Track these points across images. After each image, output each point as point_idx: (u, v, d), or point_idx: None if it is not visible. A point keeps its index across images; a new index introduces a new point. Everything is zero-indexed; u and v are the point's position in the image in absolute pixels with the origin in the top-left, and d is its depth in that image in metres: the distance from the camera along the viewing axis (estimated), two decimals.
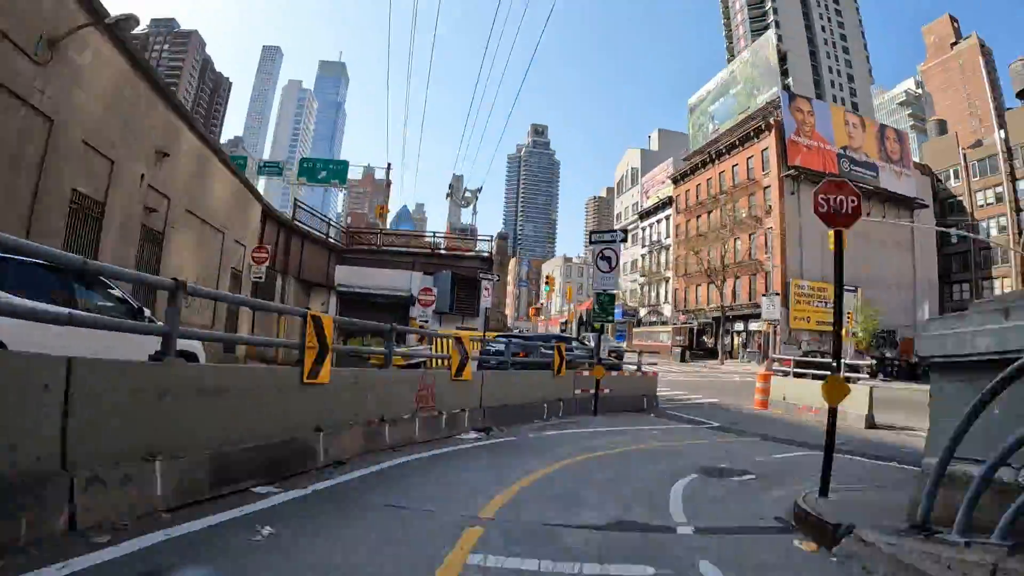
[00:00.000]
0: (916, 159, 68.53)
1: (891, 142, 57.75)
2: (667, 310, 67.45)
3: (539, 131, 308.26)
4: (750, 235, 52.33)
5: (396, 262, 35.72)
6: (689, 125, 72.32)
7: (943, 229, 54.10)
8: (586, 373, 14.92)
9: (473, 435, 9.64)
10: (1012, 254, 67.13)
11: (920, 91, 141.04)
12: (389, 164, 46.12)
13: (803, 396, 15.96)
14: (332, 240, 35.23)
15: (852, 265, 53.46)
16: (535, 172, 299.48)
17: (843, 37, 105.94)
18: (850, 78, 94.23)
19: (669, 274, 67.54)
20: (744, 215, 52.11)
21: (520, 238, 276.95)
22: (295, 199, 34.82)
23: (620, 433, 11.50)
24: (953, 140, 77.85)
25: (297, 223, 30.46)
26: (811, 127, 52.27)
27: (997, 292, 67.10)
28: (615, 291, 15.53)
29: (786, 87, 62.21)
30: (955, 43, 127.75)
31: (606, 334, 54.95)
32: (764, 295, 46.32)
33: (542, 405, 12.95)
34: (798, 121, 51.64)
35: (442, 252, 37.85)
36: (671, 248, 66.88)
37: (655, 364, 22.99)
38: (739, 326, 54.22)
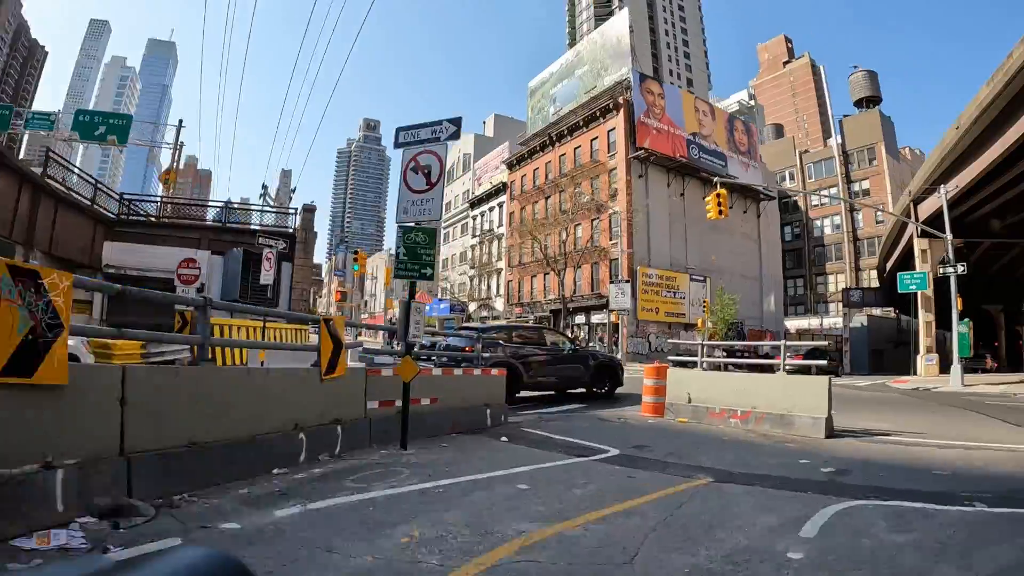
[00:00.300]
0: None
1: (739, 133, 56.09)
2: (499, 304, 62.46)
3: (371, 126, 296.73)
4: (592, 221, 48.23)
5: (181, 238, 28.06)
6: (528, 109, 68.11)
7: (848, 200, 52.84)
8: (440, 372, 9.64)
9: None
10: (846, 251, 68.60)
11: (752, 103, 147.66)
12: (181, 121, 37.66)
13: (720, 396, 10.92)
14: (100, 208, 27.04)
15: (701, 255, 50.83)
16: (365, 168, 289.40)
17: (685, 43, 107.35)
18: (689, 83, 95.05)
19: (502, 265, 62.69)
20: (587, 199, 48.07)
21: (348, 235, 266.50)
22: (48, 149, 26.18)
23: (438, 500, 5.21)
24: (790, 143, 79.54)
25: (51, 181, 22.51)
26: (661, 110, 49.17)
27: (831, 288, 68.23)
28: (435, 224, 8.53)
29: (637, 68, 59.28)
30: (788, 61, 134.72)
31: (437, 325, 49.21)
32: (612, 282, 42.02)
33: (294, 438, 6.56)
34: (648, 103, 48.34)
35: (233, 226, 30.40)
36: (504, 237, 61.97)
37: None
38: (580, 319, 50.12)
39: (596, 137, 50.37)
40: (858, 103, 79.69)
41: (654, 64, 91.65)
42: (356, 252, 38.24)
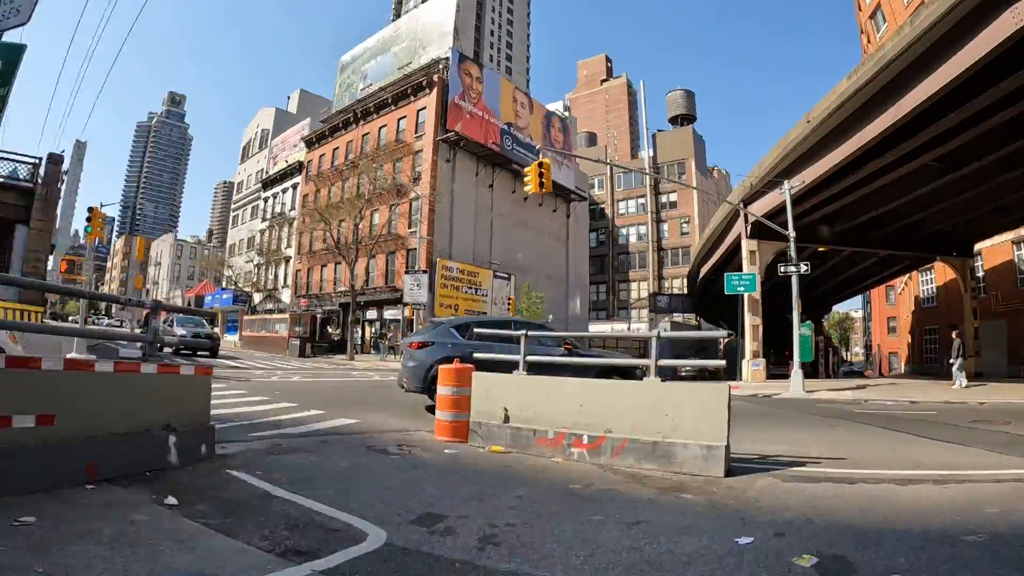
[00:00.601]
0: None
1: (556, 131, 54.17)
2: (286, 295, 56.27)
3: (176, 100, 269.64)
4: (392, 206, 43.77)
5: None
6: (337, 85, 62.64)
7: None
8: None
9: None
10: (649, 259, 69.52)
11: (567, 114, 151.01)
12: None
13: (555, 412, 7.20)
14: None
15: (506, 251, 47.10)
16: (164, 146, 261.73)
17: (509, 45, 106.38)
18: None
19: (291, 252, 56.50)
20: (388, 182, 43.60)
21: (140, 217, 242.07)
22: None
23: None
24: (602, 151, 79.91)
25: None
26: (478, 95, 45.81)
27: (634, 296, 68.77)
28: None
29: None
30: (605, 80, 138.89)
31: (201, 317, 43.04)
32: (408, 272, 37.68)
33: None
34: (465, 85, 44.75)
35: None
36: (296, 222, 55.67)
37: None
38: (372, 314, 45.45)
39: (404, 116, 46.07)
40: (673, 120, 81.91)
41: (475, 50, 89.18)
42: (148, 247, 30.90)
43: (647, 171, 68.75)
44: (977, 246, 35.20)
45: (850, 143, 20.74)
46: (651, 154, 72.59)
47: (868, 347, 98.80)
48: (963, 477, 6.10)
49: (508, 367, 8.33)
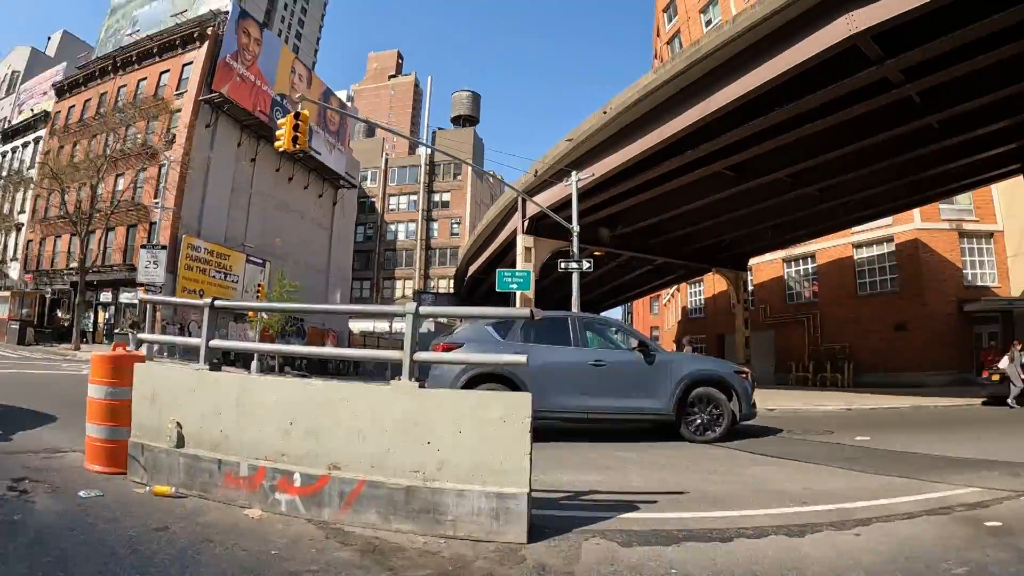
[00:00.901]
0: None
1: (333, 112, 51.24)
2: (14, 270, 47.37)
3: None
4: (139, 171, 38.48)
5: None
6: (102, 29, 54.55)
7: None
8: None
9: None
10: (417, 257, 68.68)
11: (350, 104, 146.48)
12: None
13: (254, 431, 4.63)
14: None
15: (264, 234, 42.82)
16: None
17: (301, 23, 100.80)
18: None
19: (24, 219, 47.67)
20: (139, 142, 38.25)
21: None
22: None
23: None
24: (379, 143, 77.92)
25: None
26: (254, 58, 41.74)
27: (398, 294, 67.46)
28: None
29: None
30: (394, 76, 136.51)
31: None
32: (144, 247, 32.84)
33: None
34: (241, 45, 40.54)
35: None
36: (34, 183, 46.66)
37: None
38: (108, 296, 39.55)
39: (168, 70, 40.77)
40: (455, 119, 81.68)
41: (264, 21, 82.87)
42: None
43: (421, 166, 68.09)
44: (750, 261, 37.99)
45: (649, 137, 20.28)
46: (428, 151, 71.99)
47: None
48: (860, 513, 4.80)
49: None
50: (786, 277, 39.38)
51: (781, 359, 37.74)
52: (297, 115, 15.95)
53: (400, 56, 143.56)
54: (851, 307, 34.29)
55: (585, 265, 20.60)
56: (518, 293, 25.44)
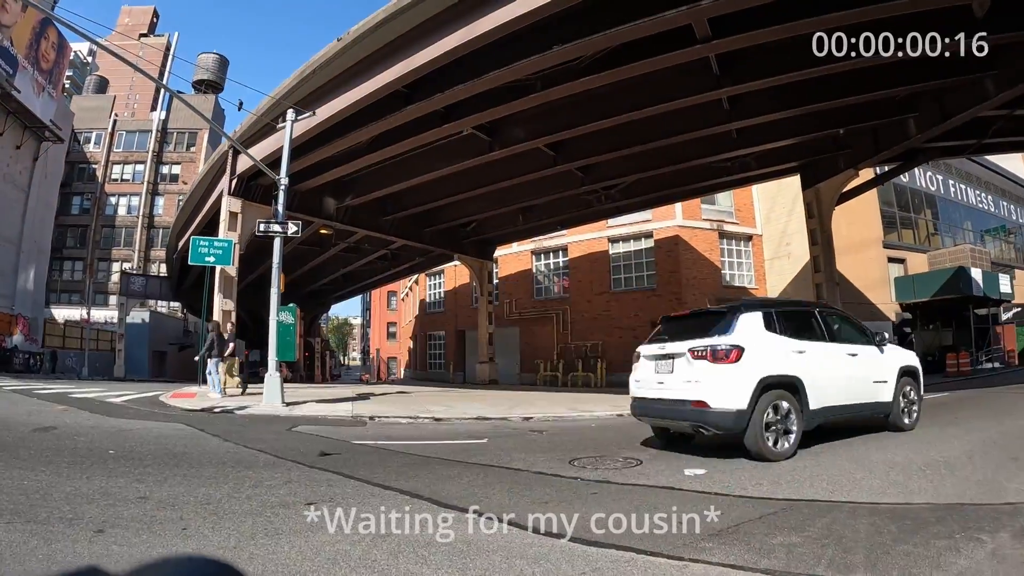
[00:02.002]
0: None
1: (49, 46, 41.44)
2: None
3: None
4: None
5: None
6: None
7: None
8: None
9: None
10: (137, 236, 59.10)
11: (90, 60, 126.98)
12: None
13: None
14: None
15: None
16: None
17: None
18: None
19: None
20: None
21: None
22: None
23: None
24: (109, 101, 67.37)
25: None
26: None
27: (115, 278, 57.22)
28: None
29: None
30: (145, 35, 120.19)
31: None
32: None
33: None
34: None
35: None
36: None
37: None
38: None
39: None
40: (197, 84, 72.02)
41: None
42: None
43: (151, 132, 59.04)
44: (497, 252, 35.91)
45: (392, 71, 15.63)
46: (163, 117, 62.85)
47: (366, 352, 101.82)
48: None
49: None
50: (535, 271, 37.62)
51: (527, 357, 36.07)
52: None
53: (156, 14, 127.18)
54: (604, 304, 33.42)
55: (292, 228, 15.52)
56: (218, 268, 20.42)
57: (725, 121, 19.07)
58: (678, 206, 30.91)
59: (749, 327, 7.31)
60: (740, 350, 6.99)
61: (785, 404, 7.00)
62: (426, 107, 17.17)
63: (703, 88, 16.77)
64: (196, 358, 19.34)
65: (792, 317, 7.97)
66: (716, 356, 7.05)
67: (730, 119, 18.95)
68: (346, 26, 25.50)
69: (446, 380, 39.95)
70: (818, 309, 8.77)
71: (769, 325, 7.47)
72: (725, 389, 6.91)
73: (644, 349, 8.17)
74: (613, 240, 33.80)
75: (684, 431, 8.03)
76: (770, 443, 6.84)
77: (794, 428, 7.05)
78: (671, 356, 7.59)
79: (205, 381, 17.55)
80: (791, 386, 7.17)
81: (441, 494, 5.31)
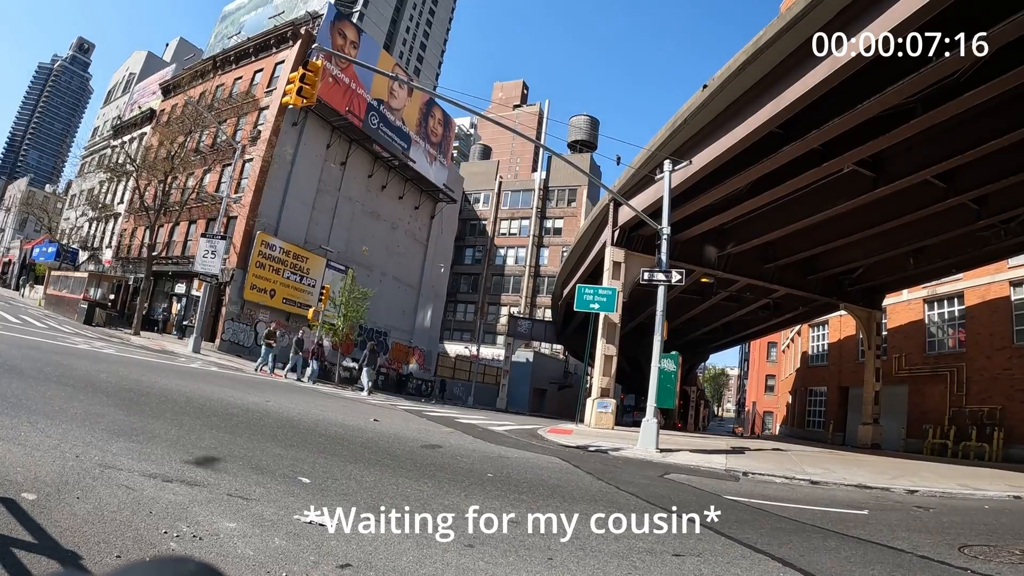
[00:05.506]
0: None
1: (436, 122, 48.48)
2: (109, 256, 48.12)
3: (84, 47, 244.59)
4: (224, 166, 37.05)
5: None
6: (213, 35, 55.59)
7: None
8: None
9: None
10: (524, 284, 64.94)
11: (473, 132, 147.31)
12: None
13: None
14: None
15: (349, 241, 38.88)
16: (63, 94, 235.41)
17: (423, 48, 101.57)
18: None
19: (122, 208, 48.15)
20: (225, 138, 36.92)
21: (22, 163, 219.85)
22: None
23: None
24: (494, 166, 75.74)
25: None
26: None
27: (504, 320, 63.59)
28: None
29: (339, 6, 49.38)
30: (519, 106, 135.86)
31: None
32: (204, 235, 30.56)
33: None
34: (336, 46, 38.72)
35: None
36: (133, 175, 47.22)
37: None
38: (181, 287, 38.25)
39: (261, 69, 39.70)
40: (572, 144, 77.83)
41: (386, 43, 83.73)
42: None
43: (535, 190, 64.65)
44: (885, 300, 31.77)
45: (761, 113, 15.30)
46: (543, 176, 68.52)
47: (741, 404, 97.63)
48: None
49: None
50: (927, 321, 31.56)
51: (914, 420, 30.58)
52: (306, 64, 13.41)
53: (525, 87, 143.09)
54: (1005, 361, 26.63)
55: (675, 277, 14.59)
56: (601, 315, 20.87)
57: None
58: None
59: None
60: None
61: None
62: (801, 147, 16.36)
63: None
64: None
65: None
66: None
67: None
68: (702, 78, 25.88)
69: (824, 440, 35.55)
70: None
71: None
72: None
73: None
74: (1016, 284, 26.81)
75: None
76: None
77: None
78: None
79: (582, 420, 19.60)
80: None
81: (815, 566, 4.81)
